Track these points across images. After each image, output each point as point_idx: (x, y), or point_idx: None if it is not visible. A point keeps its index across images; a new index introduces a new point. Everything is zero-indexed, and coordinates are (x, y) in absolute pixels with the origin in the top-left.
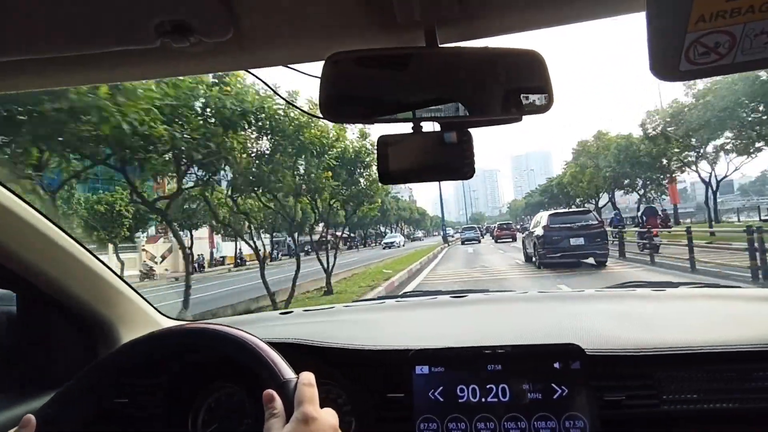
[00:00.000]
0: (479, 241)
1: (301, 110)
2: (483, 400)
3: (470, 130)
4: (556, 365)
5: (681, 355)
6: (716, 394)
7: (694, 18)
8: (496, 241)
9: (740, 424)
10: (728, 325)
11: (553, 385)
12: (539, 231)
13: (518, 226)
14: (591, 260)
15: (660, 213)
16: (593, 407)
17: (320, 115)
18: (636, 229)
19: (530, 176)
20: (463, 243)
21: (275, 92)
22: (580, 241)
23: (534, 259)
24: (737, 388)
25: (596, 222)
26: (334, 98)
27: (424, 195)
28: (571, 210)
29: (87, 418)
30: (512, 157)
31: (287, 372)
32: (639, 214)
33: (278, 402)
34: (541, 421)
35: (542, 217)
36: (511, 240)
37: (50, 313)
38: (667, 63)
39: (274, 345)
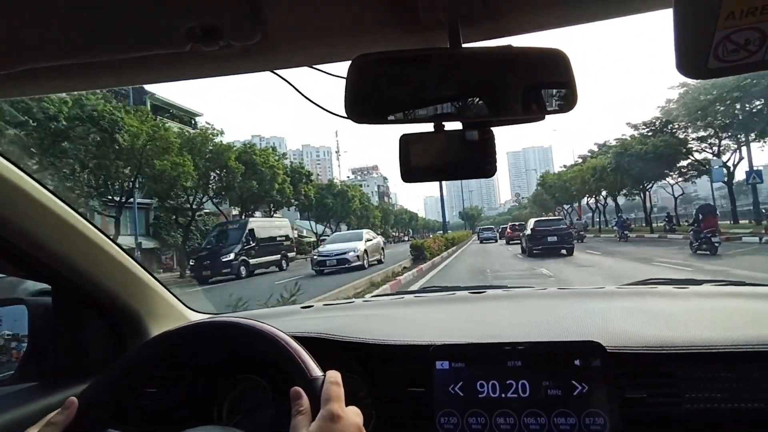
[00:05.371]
0: (496, 240)
1: (326, 110)
2: (503, 395)
3: (492, 128)
4: (577, 362)
5: (704, 354)
6: (740, 394)
7: (724, 15)
8: (507, 243)
9: (765, 425)
10: (753, 324)
11: (573, 382)
12: (528, 232)
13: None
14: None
15: None
16: (614, 405)
17: (344, 115)
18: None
19: (529, 175)
20: (481, 242)
21: (298, 92)
22: (554, 238)
23: (525, 250)
24: (762, 388)
25: (565, 226)
26: (358, 99)
27: (422, 192)
28: (549, 218)
29: (121, 405)
30: (508, 154)
31: (314, 370)
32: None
33: (305, 399)
34: (560, 417)
35: (530, 222)
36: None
37: (83, 306)
38: (695, 61)
39: (298, 339)
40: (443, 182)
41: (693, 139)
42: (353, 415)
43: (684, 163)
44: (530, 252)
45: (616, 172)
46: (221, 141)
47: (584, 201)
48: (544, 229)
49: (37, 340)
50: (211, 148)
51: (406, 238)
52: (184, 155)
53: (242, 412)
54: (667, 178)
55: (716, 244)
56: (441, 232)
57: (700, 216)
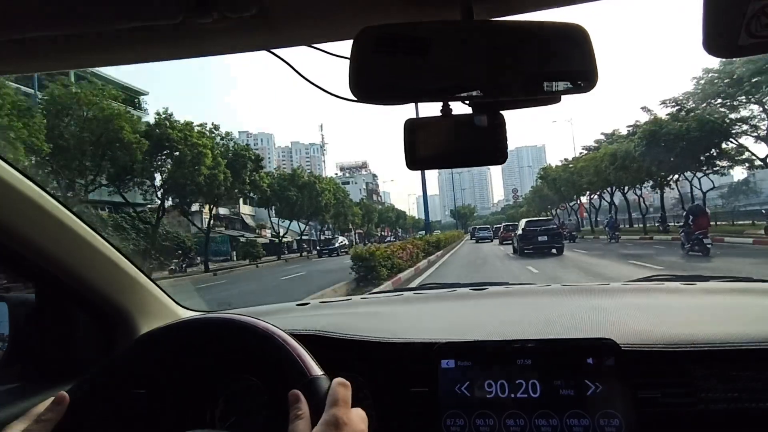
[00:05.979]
0: (491, 240)
1: (328, 92)
2: (512, 395)
3: (503, 112)
4: (590, 361)
5: (719, 352)
6: (757, 393)
7: None
8: (500, 243)
9: None
10: (766, 320)
11: (586, 381)
12: (520, 232)
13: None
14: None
15: None
16: (628, 405)
17: (351, 98)
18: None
19: (522, 173)
20: (477, 241)
21: (299, 74)
22: (545, 238)
23: (516, 250)
24: None
25: (555, 226)
26: (364, 77)
27: (415, 190)
28: (539, 219)
29: (108, 406)
30: None
31: (314, 369)
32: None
33: (304, 403)
34: (573, 418)
35: (522, 222)
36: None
37: (68, 302)
38: (724, 37)
39: (295, 337)
40: (433, 179)
41: (731, 120)
42: (359, 420)
43: (714, 152)
44: (521, 251)
45: (644, 157)
46: (124, 109)
47: (584, 198)
48: (535, 229)
49: (20, 340)
50: (92, 114)
51: (392, 238)
52: (25, 117)
53: (236, 414)
54: (696, 171)
55: (708, 246)
56: (423, 232)
57: (691, 217)
